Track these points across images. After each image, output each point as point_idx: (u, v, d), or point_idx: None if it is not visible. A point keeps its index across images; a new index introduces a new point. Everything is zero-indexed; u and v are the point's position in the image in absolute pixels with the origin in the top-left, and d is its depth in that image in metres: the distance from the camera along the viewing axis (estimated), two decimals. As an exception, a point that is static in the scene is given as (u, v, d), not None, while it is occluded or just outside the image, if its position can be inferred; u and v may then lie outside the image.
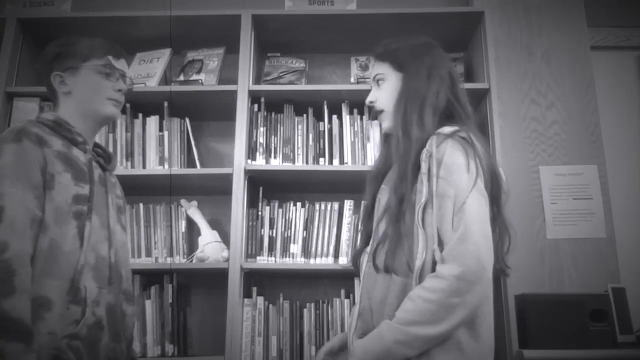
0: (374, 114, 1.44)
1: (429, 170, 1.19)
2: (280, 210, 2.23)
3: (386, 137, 1.46)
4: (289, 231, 2.20)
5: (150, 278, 2.21)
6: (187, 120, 2.34)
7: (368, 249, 1.36)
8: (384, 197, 1.31)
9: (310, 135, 2.30)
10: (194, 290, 2.33)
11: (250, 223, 2.19)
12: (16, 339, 1.13)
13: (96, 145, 1.53)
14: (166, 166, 2.27)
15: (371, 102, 1.41)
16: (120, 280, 1.41)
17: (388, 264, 1.22)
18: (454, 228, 1.13)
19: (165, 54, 2.42)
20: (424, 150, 1.22)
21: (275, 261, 2.17)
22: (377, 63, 1.41)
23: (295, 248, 2.19)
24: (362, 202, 2.19)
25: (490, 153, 1.32)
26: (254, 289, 2.17)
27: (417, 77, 1.32)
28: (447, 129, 1.24)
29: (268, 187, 2.28)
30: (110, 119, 1.50)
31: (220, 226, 2.36)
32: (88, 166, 1.39)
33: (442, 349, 1.12)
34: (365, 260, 1.35)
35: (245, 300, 2.12)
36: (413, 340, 1.10)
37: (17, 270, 1.18)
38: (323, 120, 2.31)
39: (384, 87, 1.38)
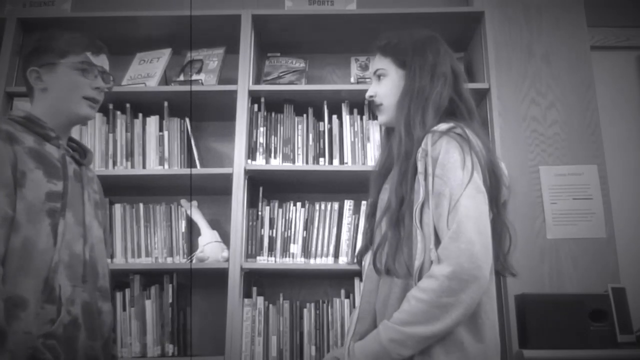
0: (373, 108, 1.42)
1: (425, 169, 1.18)
2: (280, 210, 2.23)
3: (387, 133, 1.44)
4: (289, 231, 2.20)
5: (150, 278, 2.21)
6: (187, 120, 2.34)
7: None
8: (385, 196, 1.30)
9: (310, 135, 2.30)
10: (194, 290, 2.33)
11: (250, 223, 2.19)
12: None
13: (71, 139, 1.51)
14: (166, 166, 2.27)
15: (371, 96, 1.39)
16: (95, 277, 1.38)
17: (389, 266, 1.20)
18: (448, 226, 1.11)
19: (165, 54, 2.42)
20: (420, 149, 1.20)
21: (275, 261, 2.17)
22: (379, 57, 1.38)
23: (295, 248, 2.18)
24: (362, 202, 2.20)
25: (491, 149, 1.28)
26: (254, 289, 2.17)
27: (420, 76, 1.29)
28: (442, 126, 1.22)
29: (268, 187, 2.28)
30: (84, 120, 1.47)
31: (220, 226, 2.36)
32: (61, 162, 1.36)
33: (444, 350, 1.11)
34: (367, 261, 1.34)
35: (245, 300, 2.12)
36: (407, 339, 1.09)
37: None
38: (323, 120, 2.31)
39: (385, 83, 1.36)
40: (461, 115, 1.30)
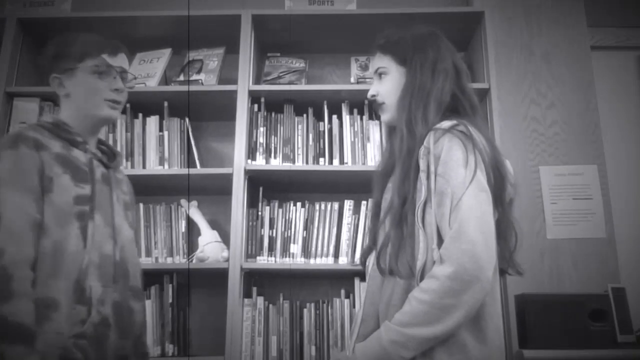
0: (375, 107, 1.40)
1: (428, 167, 1.16)
2: (280, 210, 2.23)
3: (390, 132, 1.42)
4: (289, 231, 2.20)
5: (150, 278, 2.20)
6: (187, 120, 2.34)
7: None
8: (389, 195, 1.28)
9: (310, 135, 2.30)
10: (194, 290, 2.33)
11: (250, 223, 2.19)
12: (17, 342, 1.15)
13: (101, 142, 1.54)
14: (166, 166, 2.27)
15: (373, 95, 1.37)
16: (126, 277, 1.41)
17: (392, 266, 1.19)
18: (450, 226, 1.09)
19: (165, 54, 2.43)
20: (422, 147, 1.18)
21: (275, 261, 2.17)
22: (379, 56, 1.37)
23: (295, 248, 2.18)
24: (362, 202, 2.20)
25: (496, 146, 1.26)
26: (254, 289, 2.17)
27: (421, 73, 1.28)
28: (445, 124, 1.20)
29: (268, 187, 2.28)
30: (108, 121, 1.49)
31: (220, 226, 2.36)
32: (89, 166, 1.39)
33: (447, 352, 1.09)
34: (371, 261, 1.32)
35: (245, 300, 2.12)
36: (408, 341, 1.08)
37: (14, 274, 1.20)
38: (323, 120, 2.31)
39: (386, 81, 1.34)
40: (464, 111, 1.28)
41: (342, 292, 2.18)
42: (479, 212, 1.10)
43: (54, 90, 1.45)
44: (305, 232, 2.20)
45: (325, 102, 2.31)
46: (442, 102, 1.26)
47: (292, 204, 2.24)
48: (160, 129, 2.32)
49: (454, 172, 1.13)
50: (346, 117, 2.31)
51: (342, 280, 2.27)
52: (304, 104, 2.32)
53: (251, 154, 2.24)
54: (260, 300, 2.13)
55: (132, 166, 2.27)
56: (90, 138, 1.46)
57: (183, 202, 2.30)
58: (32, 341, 1.17)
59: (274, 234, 2.19)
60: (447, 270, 1.06)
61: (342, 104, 2.32)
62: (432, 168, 1.16)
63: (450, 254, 1.07)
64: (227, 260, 2.10)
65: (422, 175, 1.17)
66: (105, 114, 1.44)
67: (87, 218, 1.33)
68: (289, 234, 2.20)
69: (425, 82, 1.27)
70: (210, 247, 2.21)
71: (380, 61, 1.36)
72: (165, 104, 2.32)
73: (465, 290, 1.05)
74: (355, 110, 2.32)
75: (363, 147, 2.27)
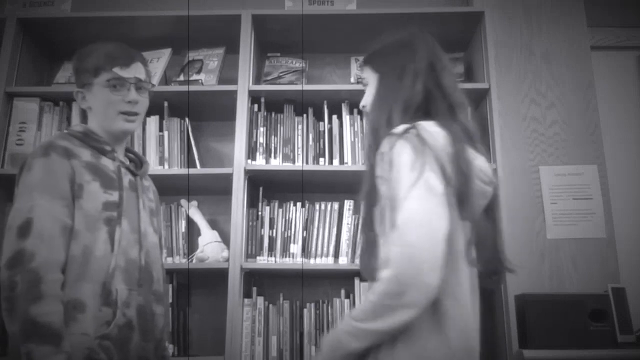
0: (365, 116, 1.43)
1: (383, 173, 1.17)
2: (280, 210, 2.23)
3: None
4: (289, 231, 2.20)
5: (150, 278, 2.20)
6: (187, 120, 2.34)
7: None
8: None
9: (310, 135, 2.30)
10: (194, 291, 2.33)
11: (250, 223, 2.19)
12: (44, 342, 1.19)
13: (128, 150, 1.57)
14: (166, 166, 2.27)
15: (363, 106, 1.39)
16: (150, 281, 1.44)
17: (364, 268, 1.24)
18: (394, 229, 1.10)
19: (165, 54, 2.42)
20: (378, 153, 1.19)
21: (275, 261, 2.17)
22: (363, 67, 1.40)
23: (295, 248, 2.19)
24: (362, 202, 2.20)
25: (464, 145, 1.20)
26: (254, 289, 2.17)
27: (390, 76, 1.29)
28: (399, 128, 1.19)
29: (268, 187, 2.28)
30: (125, 134, 1.50)
31: (220, 226, 2.36)
32: (117, 174, 1.43)
33: (406, 349, 1.11)
34: None
35: (245, 300, 2.12)
36: (357, 332, 1.11)
37: (44, 277, 1.23)
38: (323, 120, 2.31)
39: (368, 91, 1.36)
40: (436, 112, 1.25)
41: (342, 292, 2.18)
42: (423, 216, 1.09)
43: (79, 104, 1.49)
44: (305, 232, 2.20)
45: (325, 102, 2.31)
46: (411, 103, 1.24)
47: (292, 204, 2.24)
48: (160, 129, 2.32)
49: (400, 175, 1.13)
50: (346, 117, 2.31)
51: (342, 280, 2.27)
52: (304, 104, 2.32)
53: (251, 154, 2.25)
54: (260, 300, 2.14)
55: (132, 166, 2.27)
56: (117, 147, 1.49)
57: (183, 202, 2.30)
58: (60, 342, 1.21)
59: (274, 234, 2.19)
60: (388, 273, 1.08)
61: (342, 104, 2.32)
62: (385, 174, 1.16)
63: (390, 257, 1.08)
64: (227, 260, 2.10)
65: (378, 181, 1.18)
66: (120, 127, 1.45)
67: (114, 224, 1.37)
68: (289, 234, 2.20)
69: (393, 85, 1.27)
70: (210, 247, 2.21)
71: (363, 72, 1.38)
72: (165, 104, 2.32)
73: (404, 293, 1.07)
74: (355, 110, 2.32)
75: (363, 147, 2.27)
